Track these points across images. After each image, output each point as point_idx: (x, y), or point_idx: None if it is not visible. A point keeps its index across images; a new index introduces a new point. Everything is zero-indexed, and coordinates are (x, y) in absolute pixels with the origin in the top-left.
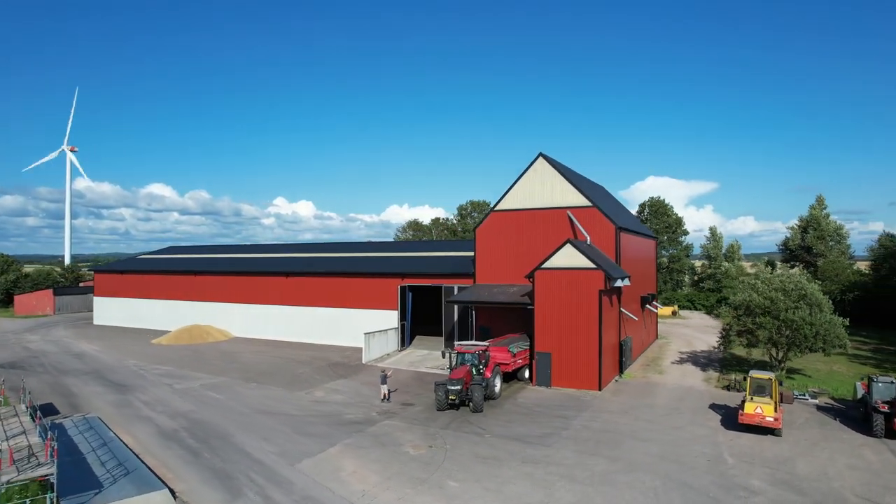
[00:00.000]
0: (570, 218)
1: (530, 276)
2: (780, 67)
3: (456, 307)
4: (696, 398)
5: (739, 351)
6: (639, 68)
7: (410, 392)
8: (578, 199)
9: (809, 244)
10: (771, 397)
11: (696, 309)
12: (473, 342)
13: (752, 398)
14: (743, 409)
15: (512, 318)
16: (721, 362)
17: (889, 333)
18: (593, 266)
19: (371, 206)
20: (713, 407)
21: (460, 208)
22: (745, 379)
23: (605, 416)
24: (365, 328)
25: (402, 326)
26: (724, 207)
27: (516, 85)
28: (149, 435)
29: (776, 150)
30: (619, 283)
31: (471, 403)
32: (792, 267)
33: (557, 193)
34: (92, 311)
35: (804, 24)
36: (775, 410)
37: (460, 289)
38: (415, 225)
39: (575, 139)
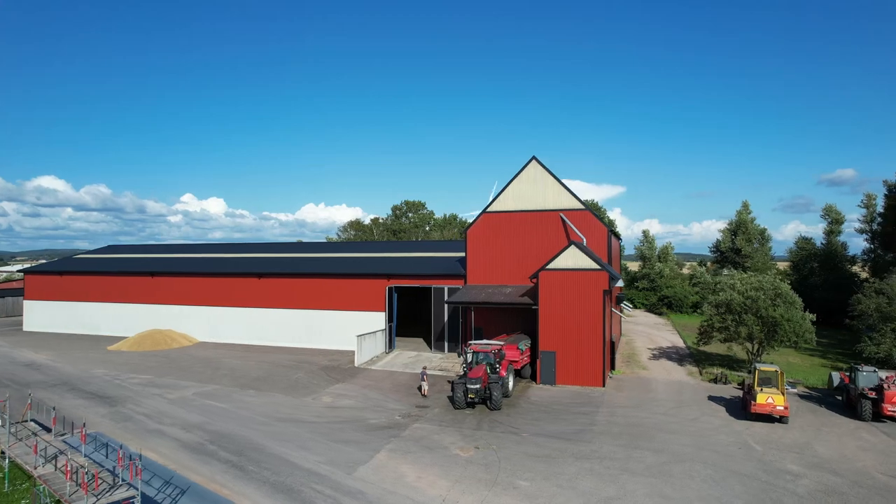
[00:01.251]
0: (562, 220)
1: (534, 276)
2: (673, 79)
3: (446, 308)
4: (691, 391)
5: (712, 347)
6: (553, 73)
7: (419, 394)
8: (571, 202)
9: (739, 246)
10: (777, 388)
11: (636, 307)
12: (487, 341)
13: (761, 389)
14: (755, 400)
15: (506, 318)
16: (693, 357)
17: (819, 329)
18: (597, 267)
19: (285, 205)
20: (712, 399)
21: (395, 208)
22: (750, 372)
23: (621, 412)
24: (348, 330)
25: (390, 328)
26: (631, 210)
27: (440, 83)
28: (173, 449)
29: (675, 156)
30: (619, 283)
31: (490, 402)
32: (722, 267)
33: (550, 196)
34: (14, 315)
35: (712, 24)
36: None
37: (451, 290)
38: (356, 225)
39: (494, 140)
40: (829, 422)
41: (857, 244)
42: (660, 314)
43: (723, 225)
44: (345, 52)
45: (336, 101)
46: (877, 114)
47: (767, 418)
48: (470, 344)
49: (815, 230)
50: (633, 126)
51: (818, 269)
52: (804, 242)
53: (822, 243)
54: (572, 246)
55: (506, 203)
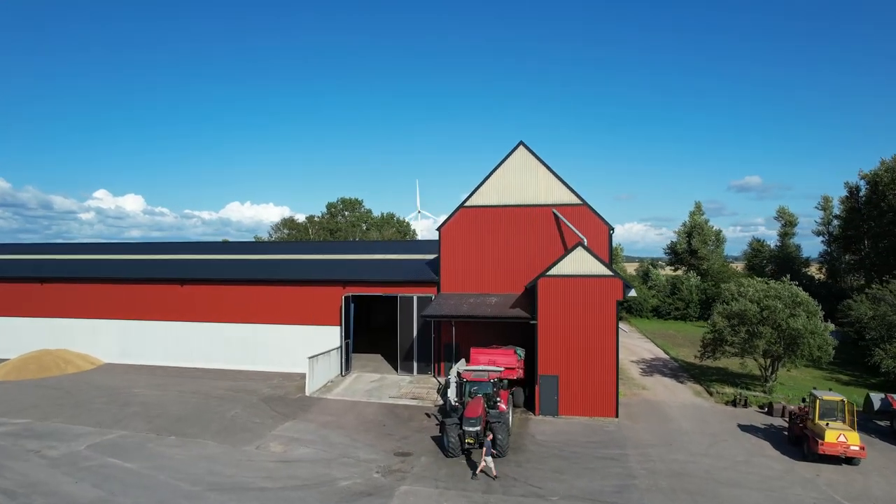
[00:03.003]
0: (556, 217)
1: (532, 284)
2: (599, 78)
3: (415, 321)
4: (715, 419)
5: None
6: (472, 74)
7: (394, 435)
8: (566, 196)
9: (696, 247)
10: (844, 422)
11: None
12: (485, 367)
13: (827, 424)
14: (823, 438)
15: (489, 333)
16: (687, 371)
17: None
18: (609, 273)
19: (209, 202)
20: (745, 429)
21: (330, 206)
22: (804, 400)
23: (655, 453)
24: (294, 349)
25: (346, 346)
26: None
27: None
28: None
29: (602, 158)
30: (632, 293)
31: (494, 448)
32: (676, 269)
33: (542, 189)
34: None
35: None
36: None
37: (421, 299)
38: (290, 223)
39: (420, 136)
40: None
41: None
42: (620, 318)
43: (643, 227)
44: (272, 40)
45: (266, 92)
46: (781, 122)
47: (831, 458)
48: (462, 370)
49: (732, 233)
50: (561, 128)
51: (777, 272)
52: (758, 244)
53: (776, 245)
54: (579, 247)
55: (488, 196)
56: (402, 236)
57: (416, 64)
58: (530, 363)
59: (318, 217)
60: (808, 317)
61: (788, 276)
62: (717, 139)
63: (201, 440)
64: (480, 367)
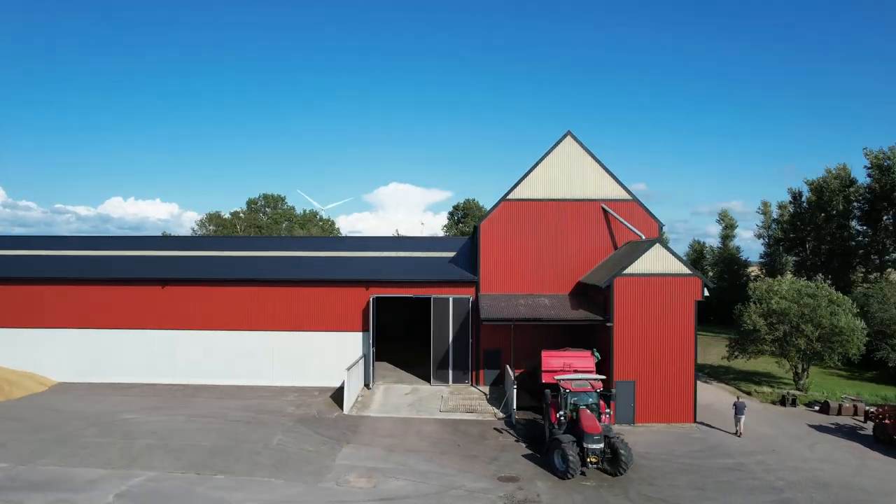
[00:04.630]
0: (606, 212)
1: (608, 284)
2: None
3: (451, 325)
4: (780, 419)
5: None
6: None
7: (480, 457)
8: (616, 191)
9: None
10: None
11: None
12: (584, 376)
13: None
14: None
15: (538, 336)
16: (699, 371)
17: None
18: (689, 272)
19: (85, 197)
20: (821, 430)
21: (251, 202)
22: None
23: (770, 461)
24: (308, 359)
25: (371, 354)
26: (457, 214)
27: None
28: None
29: (507, 160)
30: (705, 293)
31: (619, 464)
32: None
33: (590, 182)
34: None
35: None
36: None
37: (457, 300)
38: (216, 219)
39: (325, 135)
40: None
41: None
42: None
43: None
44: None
45: (153, 75)
46: (666, 132)
47: None
48: (561, 380)
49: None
50: (468, 128)
51: (722, 272)
52: (699, 246)
53: (718, 247)
54: (657, 245)
55: (534, 189)
56: (326, 234)
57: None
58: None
59: (244, 212)
60: (845, 315)
61: (821, 275)
62: (610, 145)
63: (260, 478)
64: (580, 376)
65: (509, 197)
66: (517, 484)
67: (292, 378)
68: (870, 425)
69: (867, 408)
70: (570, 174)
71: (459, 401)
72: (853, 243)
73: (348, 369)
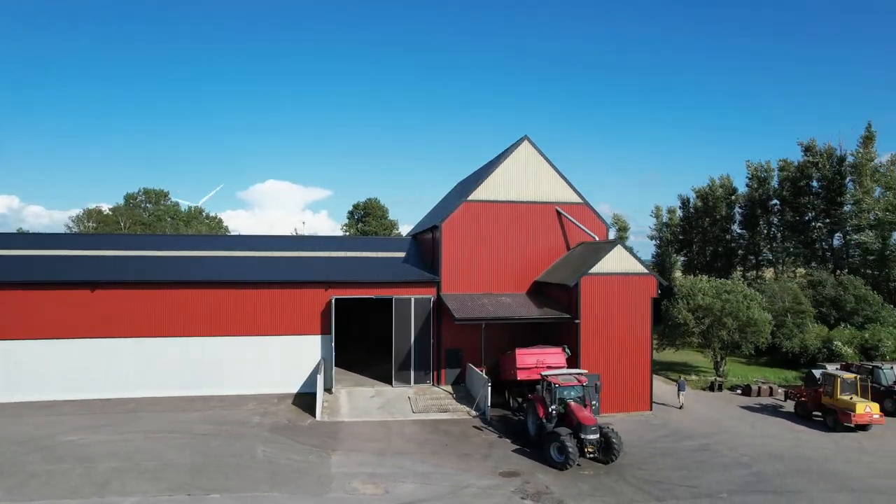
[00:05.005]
0: (560, 215)
1: (576, 283)
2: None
3: (413, 326)
4: (715, 402)
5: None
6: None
7: (474, 455)
8: (568, 195)
9: None
10: (858, 394)
11: None
12: (568, 370)
13: (851, 398)
14: (855, 411)
15: (497, 335)
16: None
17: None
18: (645, 271)
19: None
20: (752, 410)
21: (129, 197)
22: (820, 378)
23: (727, 440)
24: (260, 365)
25: (332, 357)
26: (337, 214)
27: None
28: None
29: (373, 160)
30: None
31: (612, 455)
32: None
33: (545, 185)
34: None
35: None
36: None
37: (419, 300)
38: (96, 214)
39: (192, 131)
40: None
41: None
42: None
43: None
44: None
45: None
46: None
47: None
48: (548, 375)
49: None
50: (342, 128)
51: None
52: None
53: None
54: (619, 246)
55: (492, 191)
56: (213, 232)
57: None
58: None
59: (113, 209)
60: (757, 308)
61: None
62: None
63: (262, 493)
64: (565, 371)
65: (469, 198)
66: (521, 478)
67: (246, 386)
68: (788, 403)
69: (779, 388)
70: (526, 177)
71: (428, 401)
72: (734, 245)
73: (319, 374)
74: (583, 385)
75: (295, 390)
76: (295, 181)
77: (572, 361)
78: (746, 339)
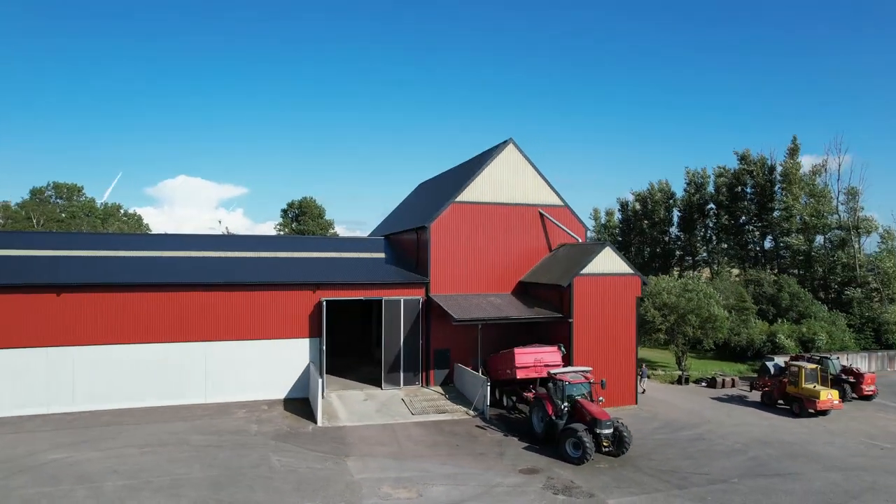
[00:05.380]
0: (543, 217)
1: (569, 283)
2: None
3: (403, 327)
4: (688, 395)
5: None
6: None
7: (487, 454)
8: (551, 197)
9: None
10: (818, 383)
11: None
12: (578, 368)
13: (814, 386)
14: (819, 398)
15: (486, 335)
16: None
17: None
18: (631, 272)
19: None
20: (722, 400)
21: (36, 192)
22: (774, 369)
23: (716, 430)
24: (250, 371)
25: (323, 361)
26: (254, 212)
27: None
28: None
29: (293, 158)
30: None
31: (623, 448)
32: None
33: (529, 188)
34: None
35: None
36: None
37: (408, 302)
38: (4, 209)
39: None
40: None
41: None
42: None
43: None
44: None
45: None
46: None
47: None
48: (556, 373)
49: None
50: (252, 125)
51: None
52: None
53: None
54: (607, 247)
55: (479, 192)
56: (133, 230)
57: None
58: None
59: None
60: (717, 306)
61: (696, 272)
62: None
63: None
64: (573, 369)
65: (457, 199)
66: (543, 474)
67: (230, 393)
68: (753, 394)
69: (739, 380)
70: (510, 180)
71: (423, 403)
72: (672, 246)
73: (319, 379)
74: (590, 382)
75: (283, 396)
76: (208, 178)
77: (565, 359)
78: (706, 334)
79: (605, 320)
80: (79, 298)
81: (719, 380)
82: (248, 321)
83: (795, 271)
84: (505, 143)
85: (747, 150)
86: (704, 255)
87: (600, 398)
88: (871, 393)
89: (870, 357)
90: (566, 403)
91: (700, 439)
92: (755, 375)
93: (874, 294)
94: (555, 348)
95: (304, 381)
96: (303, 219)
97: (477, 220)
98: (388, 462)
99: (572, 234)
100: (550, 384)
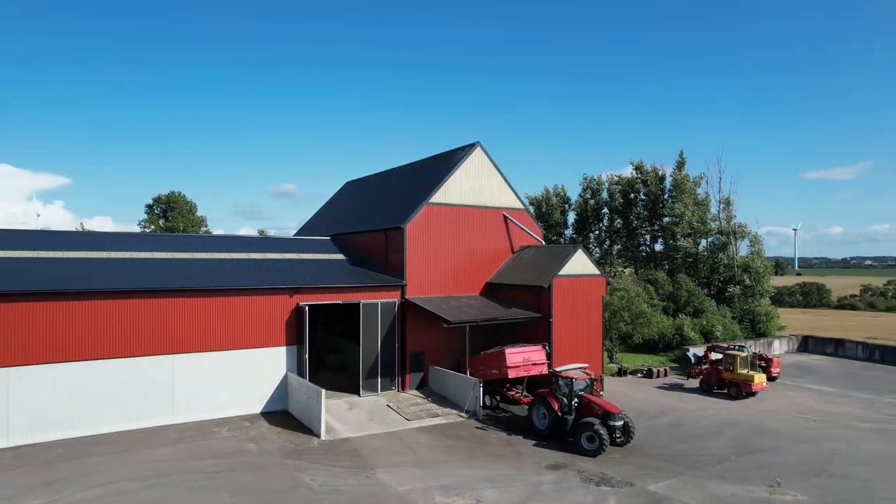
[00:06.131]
0: (507, 220)
1: (549, 285)
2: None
3: (379, 331)
4: (635, 386)
5: None
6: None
7: (505, 454)
8: (513, 201)
9: None
10: (748, 370)
11: None
12: (576, 365)
13: (748, 372)
14: (753, 381)
15: (449, 337)
16: None
17: None
18: (598, 273)
19: None
20: (666, 389)
21: None
22: (722, 356)
23: (683, 416)
24: (223, 384)
25: (305, 370)
26: (77, 206)
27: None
28: None
29: (129, 152)
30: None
31: (630, 435)
32: None
33: (495, 192)
34: None
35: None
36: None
37: (385, 305)
38: None
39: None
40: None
41: None
42: None
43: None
44: None
45: None
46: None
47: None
48: (562, 370)
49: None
50: (82, 110)
51: None
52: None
53: None
54: (580, 250)
55: (450, 195)
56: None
57: None
58: None
59: None
60: (647, 304)
61: (626, 271)
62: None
63: None
64: (575, 366)
65: (431, 200)
66: (572, 469)
67: (203, 410)
68: (689, 382)
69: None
70: (479, 183)
71: (411, 408)
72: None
73: (321, 395)
74: (591, 378)
75: (259, 409)
76: (20, 165)
77: (548, 357)
78: (636, 329)
79: (578, 319)
80: (10, 309)
81: (655, 371)
82: (218, 330)
83: (683, 272)
84: (472, 146)
85: (641, 161)
86: (598, 255)
87: (601, 392)
88: (777, 375)
89: (755, 343)
90: (575, 400)
91: (678, 425)
92: (676, 365)
93: (748, 291)
94: (539, 347)
95: (281, 392)
96: (171, 215)
97: (448, 222)
98: (418, 471)
99: (535, 236)
100: (556, 381)
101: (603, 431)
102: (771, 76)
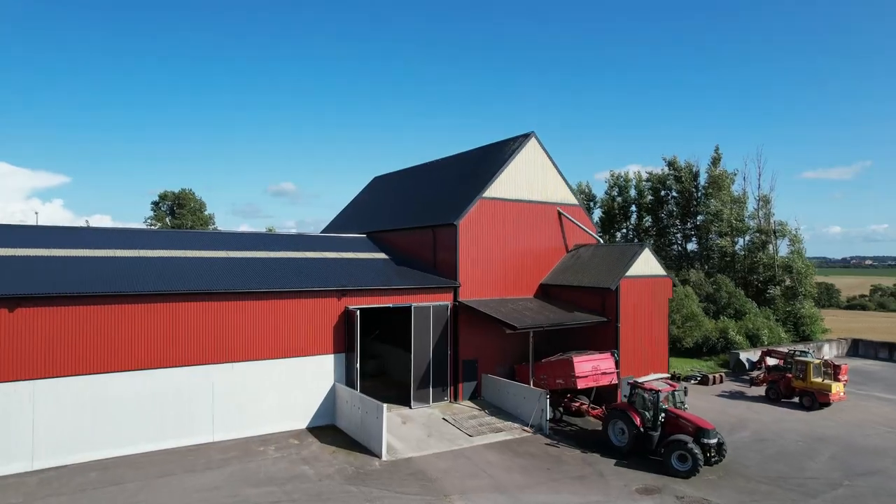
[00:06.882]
0: (561, 217)
1: (616, 287)
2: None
3: (431, 336)
4: (695, 394)
5: None
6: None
7: (587, 476)
8: (567, 195)
9: None
10: (823, 378)
11: None
12: (657, 375)
13: (823, 380)
14: (831, 391)
15: (506, 344)
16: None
17: None
18: (665, 274)
19: None
20: (729, 396)
21: None
22: (794, 363)
23: (756, 427)
24: (267, 397)
25: (357, 381)
26: (77, 204)
27: None
28: None
29: (125, 149)
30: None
31: (723, 452)
32: None
33: (549, 186)
34: None
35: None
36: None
37: (437, 308)
38: None
39: None
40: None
41: None
42: None
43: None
44: None
45: None
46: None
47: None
48: (645, 381)
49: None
50: (80, 110)
51: None
52: None
53: None
54: (646, 249)
55: (503, 189)
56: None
57: None
58: None
59: None
60: (697, 306)
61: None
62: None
63: None
64: (655, 377)
65: (484, 195)
66: (668, 493)
67: (245, 426)
68: (752, 390)
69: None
70: (533, 176)
71: (469, 421)
72: None
73: (382, 411)
74: (675, 391)
75: (305, 425)
76: (19, 164)
77: (617, 365)
78: (686, 332)
79: (645, 323)
80: (36, 314)
81: (711, 377)
82: (261, 337)
83: (720, 273)
84: (527, 136)
85: (675, 157)
86: None
87: (686, 406)
88: (845, 382)
89: (810, 347)
90: (661, 415)
91: (762, 440)
92: (728, 370)
93: (788, 291)
94: (608, 355)
95: (328, 405)
96: (180, 212)
97: (500, 219)
98: (499, 497)
99: (591, 232)
100: (640, 394)
101: (697, 450)
102: (771, 77)
